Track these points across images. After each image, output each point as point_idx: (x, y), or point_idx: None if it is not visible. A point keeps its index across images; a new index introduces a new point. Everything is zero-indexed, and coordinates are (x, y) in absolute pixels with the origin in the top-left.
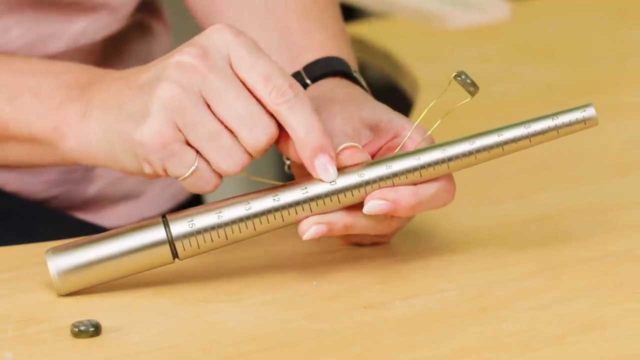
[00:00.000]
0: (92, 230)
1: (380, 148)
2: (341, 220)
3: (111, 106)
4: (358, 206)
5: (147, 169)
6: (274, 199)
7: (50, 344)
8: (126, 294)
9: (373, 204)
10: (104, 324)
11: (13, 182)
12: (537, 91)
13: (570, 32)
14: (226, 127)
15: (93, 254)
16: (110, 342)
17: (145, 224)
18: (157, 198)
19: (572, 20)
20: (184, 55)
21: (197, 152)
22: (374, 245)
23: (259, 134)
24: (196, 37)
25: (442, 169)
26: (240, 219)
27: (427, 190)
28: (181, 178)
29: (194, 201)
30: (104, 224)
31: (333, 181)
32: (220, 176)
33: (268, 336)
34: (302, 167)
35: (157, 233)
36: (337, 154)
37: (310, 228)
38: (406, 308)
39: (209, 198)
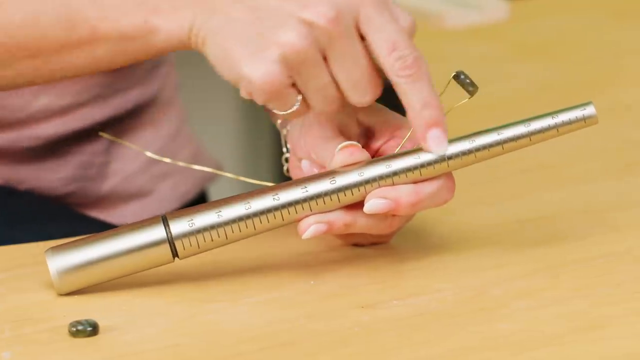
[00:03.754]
0: (104, 228)
1: (378, 149)
2: (341, 219)
3: (211, 8)
4: (358, 205)
5: (245, 95)
6: (273, 198)
7: (47, 343)
8: (124, 293)
9: (373, 203)
10: (101, 324)
11: (30, 180)
12: (535, 91)
13: (569, 32)
14: (335, 80)
15: (93, 254)
16: (108, 341)
17: (145, 223)
18: (167, 197)
19: (571, 20)
20: (316, 16)
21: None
22: (373, 245)
23: (366, 98)
24: None
25: (441, 167)
26: (240, 218)
27: (427, 188)
28: (279, 113)
29: (203, 201)
30: (115, 221)
31: (444, 154)
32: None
33: (266, 335)
34: (300, 168)
35: (157, 232)
36: (337, 153)
37: (310, 227)
38: (404, 307)
39: (212, 198)
